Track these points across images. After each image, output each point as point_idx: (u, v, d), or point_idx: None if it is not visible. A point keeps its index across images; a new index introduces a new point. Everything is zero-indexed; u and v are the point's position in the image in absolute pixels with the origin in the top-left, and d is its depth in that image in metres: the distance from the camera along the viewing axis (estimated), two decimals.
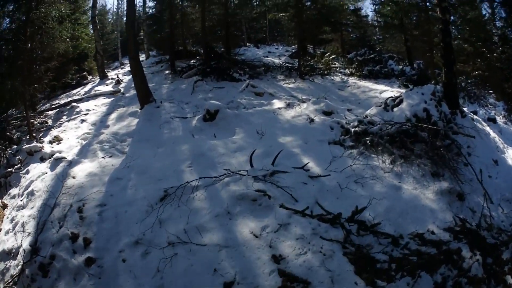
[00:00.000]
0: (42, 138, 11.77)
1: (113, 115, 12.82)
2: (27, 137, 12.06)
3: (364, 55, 20.02)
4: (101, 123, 12.14)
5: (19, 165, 10.09)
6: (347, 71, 19.15)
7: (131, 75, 14.78)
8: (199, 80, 15.84)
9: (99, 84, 18.60)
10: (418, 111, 9.95)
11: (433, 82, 15.00)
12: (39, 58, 13.56)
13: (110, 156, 9.69)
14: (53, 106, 15.43)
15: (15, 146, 11.43)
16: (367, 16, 30.52)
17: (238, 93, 14.60)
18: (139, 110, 12.77)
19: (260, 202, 7.39)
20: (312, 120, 11.24)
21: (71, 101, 15.19)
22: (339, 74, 18.65)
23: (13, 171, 9.91)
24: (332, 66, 19.01)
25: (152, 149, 9.83)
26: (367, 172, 8.36)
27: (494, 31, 20.36)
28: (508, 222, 7.68)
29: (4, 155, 10.99)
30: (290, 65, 19.10)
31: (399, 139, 9.33)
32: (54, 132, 12.03)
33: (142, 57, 24.22)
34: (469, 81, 16.93)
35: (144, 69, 19.60)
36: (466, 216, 7.33)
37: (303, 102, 13.21)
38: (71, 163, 9.23)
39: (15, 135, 12.53)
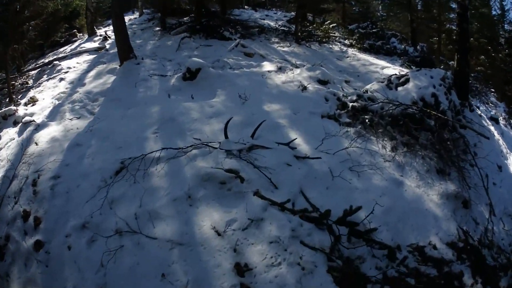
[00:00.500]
0: (19, 100, 10.70)
1: (92, 73, 11.30)
2: (7, 100, 10.92)
3: (366, 28, 18.01)
4: (79, 81, 10.69)
5: None
6: (347, 42, 17.09)
7: None
8: (186, 37, 13.94)
9: (86, 41, 16.92)
10: (426, 95, 8.52)
11: (442, 67, 13.33)
12: (23, 17, 12.08)
13: (78, 118, 8.39)
14: (36, 65, 14.20)
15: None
16: None
17: (226, 52, 12.56)
18: (118, 67, 11.22)
19: (230, 186, 5.70)
20: (304, 88, 9.37)
21: (54, 59, 13.79)
22: (338, 43, 16.58)
23: None
24: (331, 34, 16.86)
25: (122, 110, 8.41)
26: (364, 158, 6.88)
27: (501, 32, 20.05)
28: (508, 240, 6.64)
29: None
30: (287, 29, 16.85)
31: (403, 123, 7.91)
32: (31, 93, 10.83)
33: (136, 14, 22.61)
34: (472, 74, 15.21)
35: (135, 25, 17.76)
36: (470, 228, 6.26)
37: (297, 67, 11.31)
38: (38, 127, 8.02)
39: None
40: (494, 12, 20.16)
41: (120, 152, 6.64)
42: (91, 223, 5.40)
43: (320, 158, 6.42)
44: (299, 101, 8.62)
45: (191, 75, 9.75)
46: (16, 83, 12.39)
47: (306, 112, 8.16)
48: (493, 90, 17.78)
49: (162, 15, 16.26)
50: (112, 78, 10.49)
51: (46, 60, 14.41)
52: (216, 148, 6.40)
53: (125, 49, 11.33)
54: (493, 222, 6.42)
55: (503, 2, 19.34)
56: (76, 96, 9.48)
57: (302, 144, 6.85)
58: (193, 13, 16.98)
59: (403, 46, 17.42)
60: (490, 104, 15.65)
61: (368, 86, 9.72)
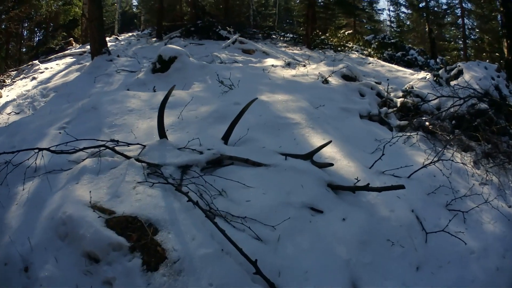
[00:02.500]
0: None
1: (63, 72, 8.64)
2: None
3: (384, 39, 14.08)
4: (47, 80, 8.25)
5: None
6: (365, 52, 13.07)
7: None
8: (176, 36, 10.65)
9: (79, 48, 13.87)
10: (489, 88, 5.29)
11: None
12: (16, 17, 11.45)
13: (17, 113, 6.04)
14: (19, 67, 12.02)
15: None
16: (383, 9, 24.41)
17: (220, 49, 8.71)
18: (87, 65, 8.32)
19: (113, 273, 1.67)
20: (326, 81, 5.31)
21: (35, 60, 11.75)
22: (356, 52, 12.49)
23: None
24: (346, 44, 12.85)
25: (60, 105, 5.24)
26: (457, 182, 3.22)
27: None
28: None
29: None
30: (296, 36, 12.83)
31: (477, 125, 4.63)
32: (2, 91, 8.78)
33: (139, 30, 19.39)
34: None
35: (133, 37, 14.41)
36: None
37: (312, 64, 7.15)
38: None
39: None
40: None
41: (8, 155, 2.90)
42: None
43: (402, 187, 2.19)
44: (320, 93, 4.59)
45: (162, 65, 5.82)
46: None
47: (334, 108, 4.15)
48: None
49: (158, 24, 12.79)
50: (77, 75, 7.74)
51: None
52: (129, 158, 2.18)
53: (98, 42, 8.14)
54: None
55: None
56: (32, 92, 7.23)
57: (339, 159, 2.70)
58: (189, 15, 13.47)
59: (423, 58, 13.68)
60: None
61: (410, 83, 6.11)
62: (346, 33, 13.29)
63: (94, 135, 3.01)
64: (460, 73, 5.91)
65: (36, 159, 2.46)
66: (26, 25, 14.97)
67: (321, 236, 1.88)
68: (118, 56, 8.30)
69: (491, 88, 5.28)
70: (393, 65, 10.87)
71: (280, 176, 2.14)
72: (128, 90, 5.44)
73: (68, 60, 10.87)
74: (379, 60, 11.38)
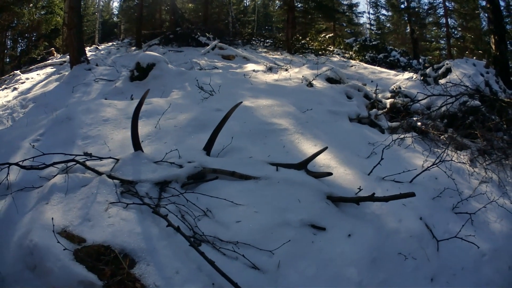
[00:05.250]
0: None
1: (43, 82, 8.40)
2: None
3: (365, 42, 14.25)
4: (28, 90, 8.14)
5: None
6: (346, 55, 13.15)
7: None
8: (155, 44, 10.51)
9: (60, 58, 13.68)
10: (479, 84, 5.28)
11: None
12: None
13: None
14: (1, 77, 11.80)
15: None
16: (363, 12, 24.90)
17: (199, 56, 8.54)
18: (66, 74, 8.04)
19: None
20: (310, 84, 5.19)
21: (17, 71, 11.45)
22: (337, 55, 12.54)
23: None
24: (327, 48, 12.89)
25: (37, 116, 5.00)
26: (460, 183, 3.10)
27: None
28: None
29: None
30: (276, 41, 12.76)
31: (471, 123, 4.65)
32: None
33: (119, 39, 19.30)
34: None
35: (113, 46, 14.28)
36: None
37: (294, 68, 7.04)
38: None
39: None
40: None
41: None
42: None
43: (413, 194, 1.89)
44: (306, 96, 4.43)
45: (140, 73, 5.69)
46: None
47: (322, 111, 3.99)
48: None
49: (137, 32, 12.61)
50: (56, 84, 7.54)
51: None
52: (101, 174, 1.93)
53: (77, 51, 7.98)
54: None
55: None
56: (12, 103, 7.10)
57: (334, 166, 2.53)
58: (168, 23, 13.35)
59: (406, 59, 13.86)
60: None
61: (397, 83, 6.06)
62: (327, 36, 13.34)
63: (67, 147, 2.78)
64: (448, 71, 5.94)
65: (7, 175, 2.16)
66: (8, 34, 15.05)
67: (327, 258, 1.66)
68: (96, 65, 8.15)
69: (482, 85, 5.33)
70: (376, 67, 10.97)
71: (272, 190, 1.91)
72: (106, 99, 5.27)
73: (49, 70, 10.78)
74: (361, 63, 11.45)
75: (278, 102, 3.83)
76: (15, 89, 9.18)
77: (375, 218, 1.95)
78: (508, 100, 4.80)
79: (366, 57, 12.97)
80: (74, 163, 2.11)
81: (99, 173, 1.96)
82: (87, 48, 16.18)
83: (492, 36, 7.77)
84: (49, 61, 12.96)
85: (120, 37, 20.01)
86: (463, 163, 3.54)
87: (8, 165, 2.16)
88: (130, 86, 5.61)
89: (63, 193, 1.89)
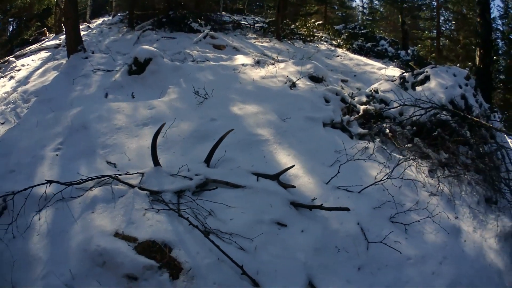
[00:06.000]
0: None
1: (40, 70, 8.60)
2: None
3: (354, 29, 14.82)
4: (25, 79, 8.27)
5: None
6: (334, 42, 13.80)
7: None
8: (148, 29, 10.74)
9: (53, 39, 13.76)
10: (455, 97, 5.75)
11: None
12: None
13: (2, 123, 6.02)
14: None
15: None
16: None
17: (191, 45, 9.12)
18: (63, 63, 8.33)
19: (148, 286, 2.38)
20: (293, 85, 5.94)
21: (11, 56, 11.56)
22: (325, 43, 13.23)
23: None
24: (316, 34, 13.44)
25: (44, 114, 5.43)
26: (406, 195, 3.81)
27: None
28: None
29: None
30: (266, 25, 13.27)
31: (438, 135, 5.12)
32: None
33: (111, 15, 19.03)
34: None
35: (104, 25, 14.44)
36: None
37: (280, 62, 7.72)
38: None
39: None
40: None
41: (9, 180, 3.73)
42: None
43: (347, 209, 2.90)
44: (288, 101, 5.16)
45: (138, 67, 6.32)
46: None
47: (301, 118, 4.74)
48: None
49: (130, 12, 12.85)
50: (55, 74, 7.75)
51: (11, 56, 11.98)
52: (133, 187, 2.79)
53: (73, 40, 8.34)
54: None
55: None
56: (12, 97, 7.23)
57: (301, 176, 3.39)
58: (161, 5, 13.51)
59: (394, 49, 14.41)
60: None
61: (375, 85, 6.52)
62: (316, 23, 13.88)
63: (89, 156, 3.62)
64: (427, 79, 6.26)
65: (46, 189, 3.01)
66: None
67: (286, 245, 2.63)
68: (93, 52, 8.55)
69: (457, 98, 5.65)
70: (361, 58, 11.57)
71: (254, 197, 2.88)
72: (107, 94, 5.98)
73: (44, 54, 10.93)
74: (348, 52, 12.04)
75: (262, 109, 4.68)
76: (11, 77, 9.31)
77: (324, 220, 2.88)
78: (476, 119, 5.14)
79: (354, 45, 13.32)
80: (108, 178, 2.97)
81: (132, 186, 2.84)
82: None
83: (478, 49, 8.22)
84: (43, 44, 12.94)
85: (112, 14, 19.86)
86: (414, 180, 3.94)
87: (48, 183, 2.98)
88: (129, 80, 6.28)
89: (105, 203, 2.79)
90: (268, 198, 2.87)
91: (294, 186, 3.08)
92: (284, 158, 3.58)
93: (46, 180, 3.00)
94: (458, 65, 9.88)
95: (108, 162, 3.36)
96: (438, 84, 5.90)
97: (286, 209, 2.83)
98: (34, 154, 3.89)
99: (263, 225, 2.67)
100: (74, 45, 8.18)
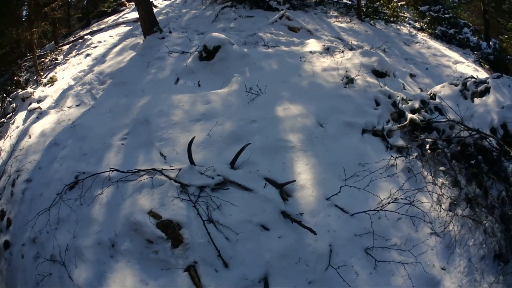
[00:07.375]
0: (42, 79, 9.23)
1: (117, 48, 9.17)
2: (35, 78, 9.58)
3: (438, 12, 13.81)
4: (102, 58, 8.76)
5: (11, 114, 8.01)
6: (417, 24, 13.26)
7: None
8: (227, 6, 11.11)
9: (132, 11, 13.98)
10: (509, 121, 5.09)
11: None
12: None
13: (78, 105, 6.75)
14: (71, 40, 12.19)
15: (21, 91, 8.71)
16: None
17: (266, 25, 9.54)
18: (141, 42, 8.93)
19: (157, 249, 3.67)
20: (351, 81, 6.03)
21: (87, 33, 11.79)
22: (407, 25, 12.80)
23: (4, 120, 7.89)
24: (400, 14, 12.98)
25: (118, 98, 6.41)
26: (400, 229, 3.99)
27: None
28: None
29: (4, 102, 8.83)
30: (350, 2, 12.98)
31: (476, 163, 4.78)
32: (56, 71, 9.42)
33: None
34: None
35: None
36: None
37: (350, 49, 7.87)
38: (40, 115, 6.80)
39: (24, 77, 10.22)
40: None
41: (82, 162, 5.03)
42: (39, 239, 4.46)
43: (315, 233, 3.49)
44: (334, 103, 5.39)
45: (208, 54, 7.07)
46: (46, 60, 11.02)
47: (339, 123, 5.01)
48: None
49: None
50: (131, 55, 8.33)
51: (87, 32, 12.37)
52: (171, 178, 3.98)
53: (148, 22, 8.96)
54: None
55: None
56: (88, 78, 7.74)
57: (307, 187, 4.01)
58: None
59: (476, 39, 13.43)
60: None
61: (437, 88, 6.30)
62: (399, 4, 13.16)
63: (148, 147, 4.72)
64: (487, 91, 5.72)
65: (109, 174, 4.37)
66: None
67: (260, 244, 3.52)
68: (170, 32, 9.11)
69: (510, 124, 5.01)
70: (440, 47, 11.02)
71: (255, 201, 3.74)
72: (178, 79, 6.78)
73: (122, 29, 11.15)
74: (428, 39, 11.61)
75: (304, 111, 5.05)
76: (88, 55, 9.49)
77: (302, 233, 3.51)
78: None
79: (437, 30, 12.76)
80: (150, 170, 4.13)
81: (170, 178, 3.96)
82: None
83: None
84: (122, 17, 12.94)
85: None
86: (423, 211, 3.97)
87: (111, 170, 4.26)
88: (199, 66, 6.94)
89: (149, 188, 3.99)
90: (264, 204, 3.69)
91: (287, 199, 3.82)
92: (302, 167, 4.14)
93: (110, 168, 4.32)
94: None
95: (161, 154, 4.48)
96: (495, 101, 5.41)
97: (275, 216, 3.63)
98: (105, 141, 5.10)
99: (250, 225, 3.57)
100: (149, 26, 8.71)
